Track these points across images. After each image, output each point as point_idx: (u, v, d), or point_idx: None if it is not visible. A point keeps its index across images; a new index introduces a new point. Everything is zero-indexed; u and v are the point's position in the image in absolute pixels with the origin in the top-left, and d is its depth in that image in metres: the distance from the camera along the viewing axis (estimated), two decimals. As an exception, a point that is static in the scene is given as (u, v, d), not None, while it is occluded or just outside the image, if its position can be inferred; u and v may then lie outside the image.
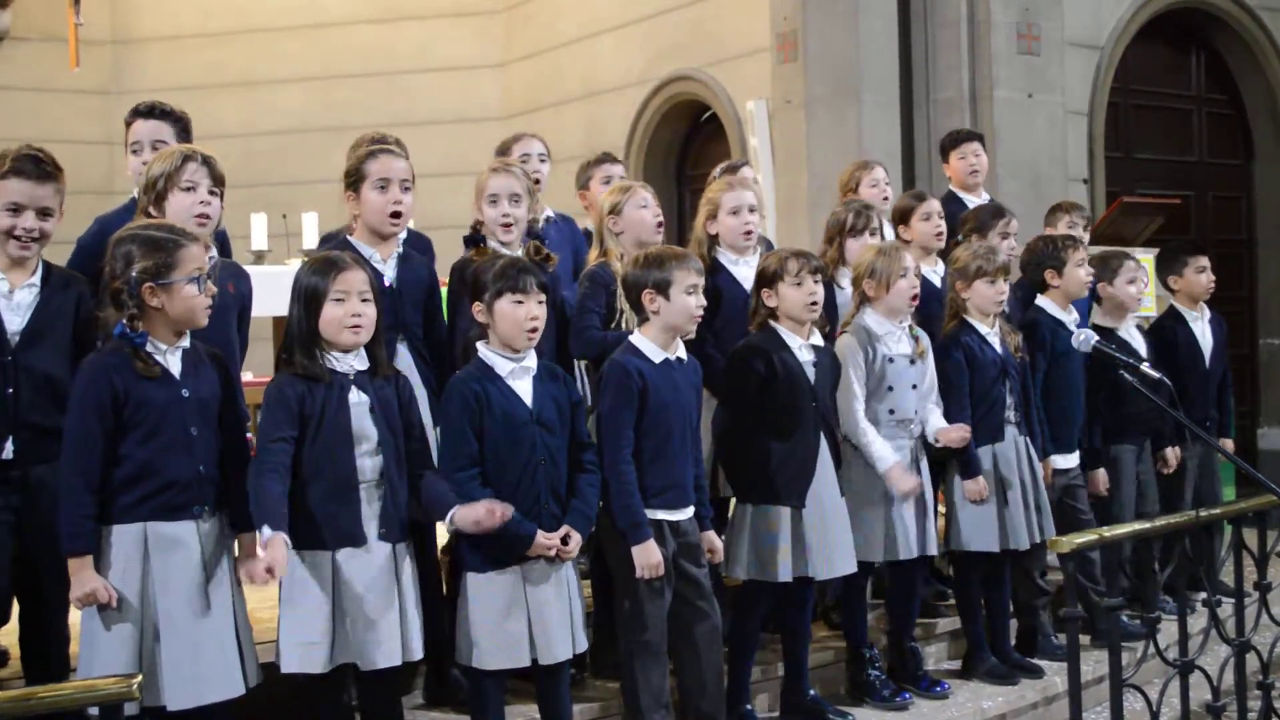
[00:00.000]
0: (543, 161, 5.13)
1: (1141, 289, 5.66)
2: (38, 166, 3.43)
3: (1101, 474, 5.40)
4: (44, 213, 3.45)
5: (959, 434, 4.64)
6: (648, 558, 3.76)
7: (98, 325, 3.31)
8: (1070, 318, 5.19)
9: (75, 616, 3.28)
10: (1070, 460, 5.23)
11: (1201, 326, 5.96)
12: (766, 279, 4.27)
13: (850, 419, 4.48)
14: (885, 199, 5.41)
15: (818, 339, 4.33)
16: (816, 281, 4.24)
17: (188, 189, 3.63)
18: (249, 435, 3.88)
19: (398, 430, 3.45)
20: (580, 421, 3.75)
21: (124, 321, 3.17)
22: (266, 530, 3.18)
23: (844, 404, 4.47)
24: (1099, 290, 5.59)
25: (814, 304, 4.24)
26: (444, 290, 4.23)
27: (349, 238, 3.98)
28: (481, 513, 3.37)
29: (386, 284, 3.88)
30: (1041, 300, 5.27)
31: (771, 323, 4.28)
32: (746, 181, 4.86)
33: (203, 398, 3.28)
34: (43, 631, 3.51)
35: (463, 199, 4.37)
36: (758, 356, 4.22)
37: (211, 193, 3.66)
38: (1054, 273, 5.21)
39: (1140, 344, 5.61)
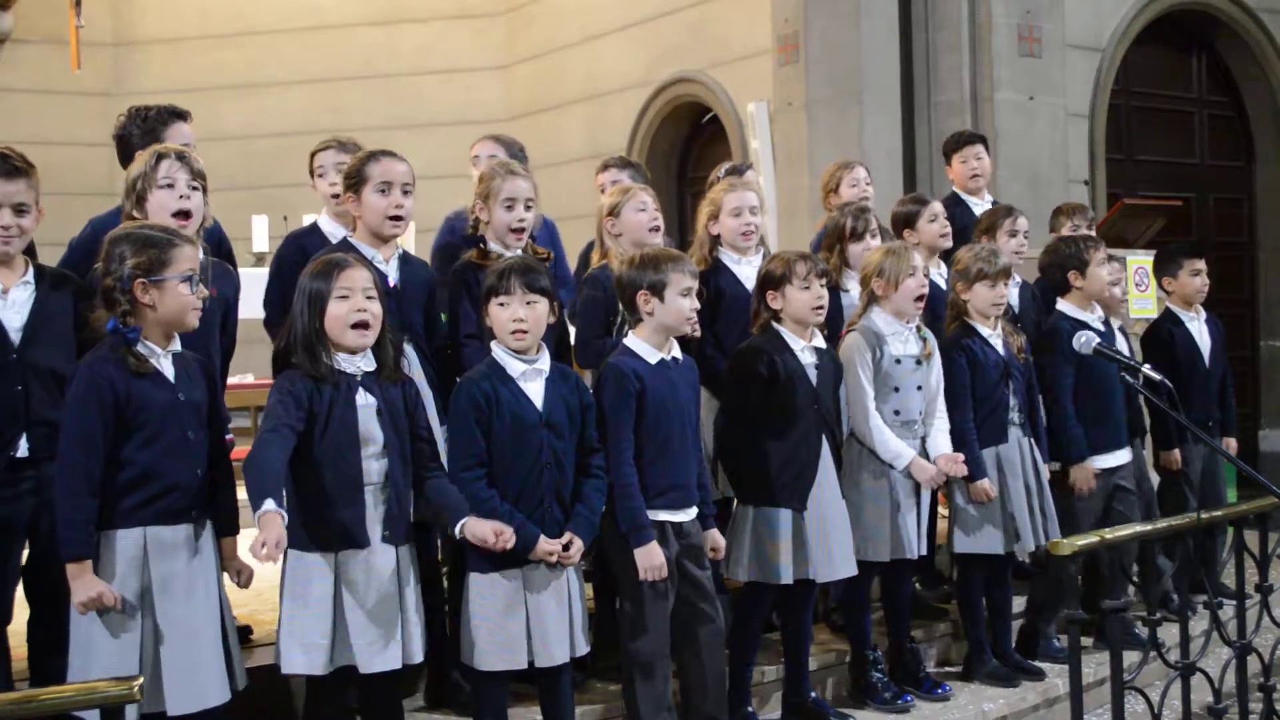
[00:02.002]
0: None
1: (1126, 289, 5.68)
2: (5, 163, 3.43)
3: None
4: (19, 209, 3.44)
5: (952, 468, 4.60)
6: (650, 559, 3.76)
7: (90, 325, 3.30)
8: (1093, 317, 5.18)
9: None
10: (1116, 459, 5.19)
11: (1198, 327, 5.96)
12: (772, 281, 4.26)
13: (862, 418, 4.47)
14: (865, 199, 5.40)
15: (819, 341, 4.33)
16: (823, 285, 4.25)
17: (165, 186, 3.64)
18: (229, 437, 3.89)
19: (404, 432, 3.45)
20: (590, 425, 3.74)
21: (116, 318, 3.16)
22: (269, 504, 3.06)
23: (854, 403, 4.47)
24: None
25: (820, 307, 4.25)
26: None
27: (350, 239, 3.99)
28: (489, 532, 3.40)
29: (391, 285, 3.89)
30: (1062, 304, 5.25)
31: (774, 325, 4.28)
32: (749, 183, 4.87)
33: (196, 401, 3.28)
34: (55, 632, 3.50)
35: (464, 201, 4.36)
36: (761, 358, 4.21)
37: (192, 187, 3.67)
38: (1077, 273, 5.19)
39: (1123, 344, 5.61)
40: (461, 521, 3.44)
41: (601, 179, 5.36)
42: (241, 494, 3.40)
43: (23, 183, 3.44)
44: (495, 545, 3.41)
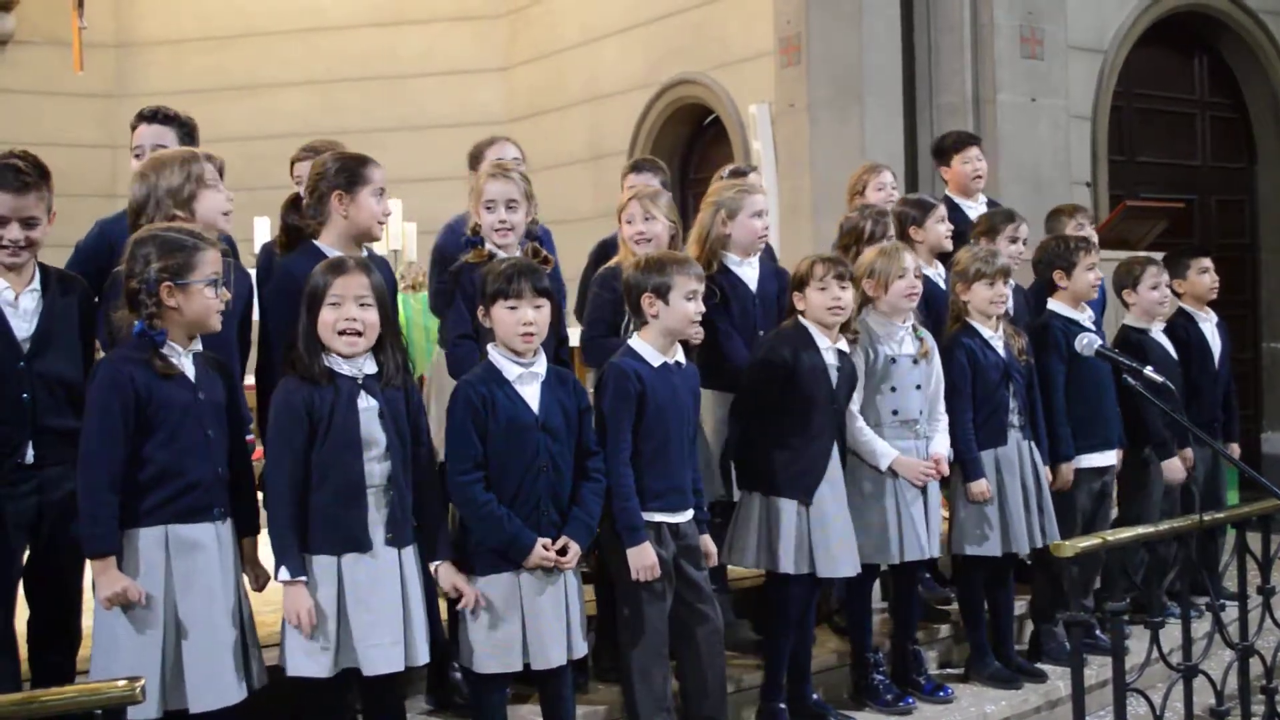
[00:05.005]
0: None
1: (1165, 294, 5.67)
2: (17, 178, 3.35)
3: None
4: (29, 222, 3.38)
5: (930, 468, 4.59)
6: (642, 560, 3.76)
7: (109, 325, 3.30)
8: (1084, 316, 5.18)
9: (87, 619, 3.27)
10: (1105, 459, 5.21)
11: (1210, 328, 5.99)
12: (797, 282, 4.32)
13: (847, 419, 4.48)
14: (890, 202, 5.41)
15: (844, 345, 4.35)
16: (843, 287, 4.26)
17: (214, 186, 3.64)
18: (250, 438, 3.90)
19: (406, 435, 3.44)
20: (588, 428, 3.74)
21: (143, 320, 3.17)
22: (284, 572, 3.25)
23: None
24: (1123, 296, 5.61)
25: (836, 308, 4.27)
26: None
27: (315, 242, 3.82)
28: (455, 589, 3.50)
29: None
30: (1052, 303, 5.26)
31: (802, 321, 4.31)
32: (760, 186, 4.89)
33: (215, 401, 3.29)
34: (54, 633, 3.50)
35: (464, 203, 4.36)
36: (787, 346, 4.25)
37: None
38: (1062, 273, 5.21)
39: (1170, 348, 5.63)
40: (436, 564, 3.52)
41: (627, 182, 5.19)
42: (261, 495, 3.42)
43: (32, 196, 3.38)
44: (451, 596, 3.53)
